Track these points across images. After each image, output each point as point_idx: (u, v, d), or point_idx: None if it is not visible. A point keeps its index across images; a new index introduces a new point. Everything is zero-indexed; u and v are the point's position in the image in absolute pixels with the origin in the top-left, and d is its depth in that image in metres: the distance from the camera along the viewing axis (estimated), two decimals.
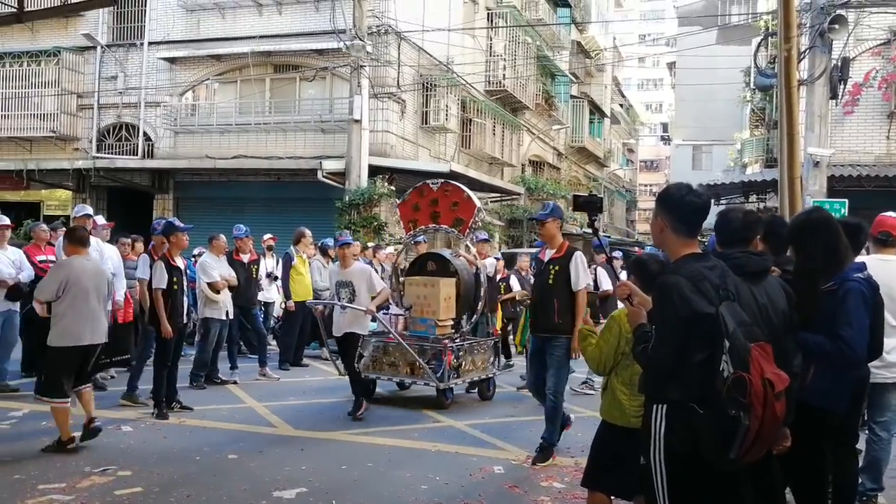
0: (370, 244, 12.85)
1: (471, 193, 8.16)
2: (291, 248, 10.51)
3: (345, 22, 15.45)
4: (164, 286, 7.19)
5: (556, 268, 6.02)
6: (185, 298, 7.64)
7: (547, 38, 26.20)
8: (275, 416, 7.41)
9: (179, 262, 7.47)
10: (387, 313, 8.22)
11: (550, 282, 6.01)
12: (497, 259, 11.03)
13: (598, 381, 9.38)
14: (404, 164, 16.67)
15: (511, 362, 10.68)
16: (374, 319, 7.75)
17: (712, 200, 3.83)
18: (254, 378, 9.33)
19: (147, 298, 7.33)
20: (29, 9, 9.99)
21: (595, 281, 9.53)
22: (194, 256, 9.22)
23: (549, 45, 26.50)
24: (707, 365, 2.60)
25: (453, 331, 8.14)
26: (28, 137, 18.66)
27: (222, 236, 9.30)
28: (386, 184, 15.73)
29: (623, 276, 12.05)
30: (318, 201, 15.96)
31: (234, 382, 9.03)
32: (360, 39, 15.24)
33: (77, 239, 6.16)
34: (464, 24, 20.01)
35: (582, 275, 5.99)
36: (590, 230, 4.32)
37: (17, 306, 8.20)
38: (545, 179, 26.32)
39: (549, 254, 6.12)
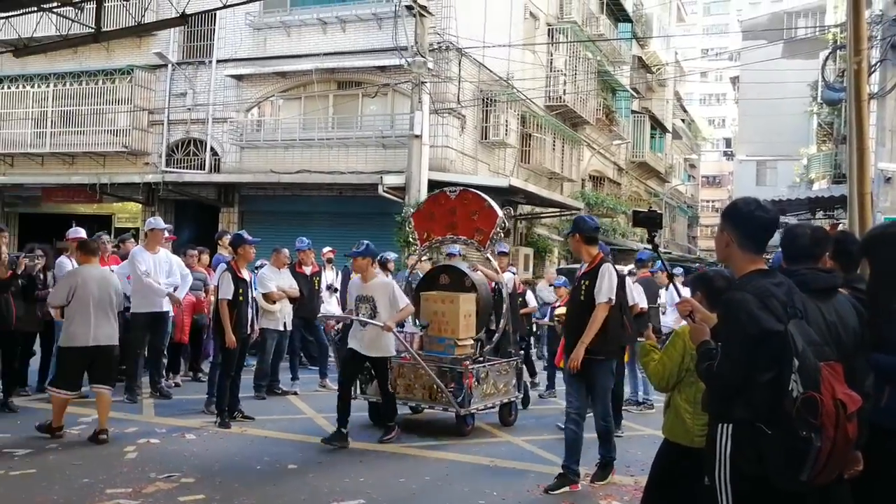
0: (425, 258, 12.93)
1: (492, 202, 7.46)
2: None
3: (406, 39, 15.66)
4: (230, 297, 7.38)
5: (587, 283, 5.69)
6: (250, 310, 7.78)
7: (608, 54, 26.05)
8: (334, 427, 7.47)
9: (246, 275, 7.65)
10: (401, 331, 7.44)
11: (581, 298, 5.70)
12: (514, 273, 10.67)
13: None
14: (463, 178, 16.71)
15: (536, 380, 10.25)
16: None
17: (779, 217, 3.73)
18: (314, 389, 9.46)
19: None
20: (105, 29, 10.45)
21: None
22: (257, 268, 9.44)
23: (609, 60, 26.33)
24: (775, 384, 2.54)
25: (474, 351, 7.57)
26: (102, 152, 19.40)
27: (284, 249, 9.49)
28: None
29: (685, 292, 11.82)
30: (378, 216, 16.15)
31: (295, 393, 9.17)
32: (422, 56, 15.42)
33: (88, 250, 6.81)
34: (524, 39, 20.05)
35: (605, 288, 5.57)
36: (650, 246, 4.26)
37: None
38: (605, 195, 26.07)
39: (582, 268, 5.92)
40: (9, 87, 20.11)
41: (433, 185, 15.79)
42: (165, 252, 8.93)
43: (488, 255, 7.69)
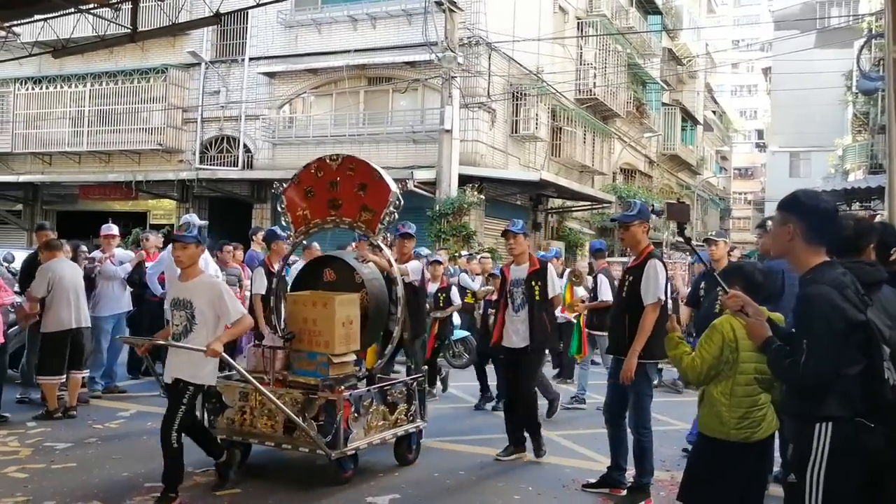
0: (464, 253, 12.96)
1: (384, 173, 5.81)
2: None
3: (436, 34, 15.70)
4: (263, 292, 7.48)
5: (631, 278, 5.23)
6: (282, 304, 7.87)
7: (638, 46, 25.84)
8: None
9: (277, 268, 7.74)
10: (259, 345, 5.82)
11: (624, 295, 5.27)
12: (435, 262, 9.64)
13: (590, 394, 9.12)
14: (494, 173, 16.78)
15: (434, 392, 8.71)
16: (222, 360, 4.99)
17: None
18: None
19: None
20: (141, 29, 10.62)
21: (595, 290, 8.46)
22: (289, 264, 9.53)
23: (639, 53, 26.12)
24: (867, 375, 2.51)
25: (358, 369, 5.78)
26: (137, 150, 19.72)
27: (315, 244, 9.57)
28: (476, 193, 15.85)
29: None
30: (408, 210, 15.93)
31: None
32: (452, 51, 15.44)
33: (51, 246, 7.45)
34: (554, 33, 19.96)
35: (652, 286, 5.07)
36: (682, 239, 4.20)
37: (127, 308, 8.69)
38: (636, 187, 25.88)
39: (629, 261, 5.54)
40: (47, 87, 20.53)
41: (463, 179, 15.84)
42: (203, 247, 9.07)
43: (378, 241, 5.95)
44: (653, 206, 23.05)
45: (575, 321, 9.03)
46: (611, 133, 24.01)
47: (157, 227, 16.40)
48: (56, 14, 10.10)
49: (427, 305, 8.66)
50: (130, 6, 9.90)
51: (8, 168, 21.08)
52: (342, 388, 5.31)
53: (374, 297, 5.97)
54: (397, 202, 5.72)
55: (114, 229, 8.79)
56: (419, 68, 16.73)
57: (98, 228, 9.15)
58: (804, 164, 41.31)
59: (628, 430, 5.30)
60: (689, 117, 33.30)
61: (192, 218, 9.26)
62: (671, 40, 32.29)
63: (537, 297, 6.07)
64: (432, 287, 9.02)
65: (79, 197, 20.79)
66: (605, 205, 21.52)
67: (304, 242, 9.37)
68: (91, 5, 9.74)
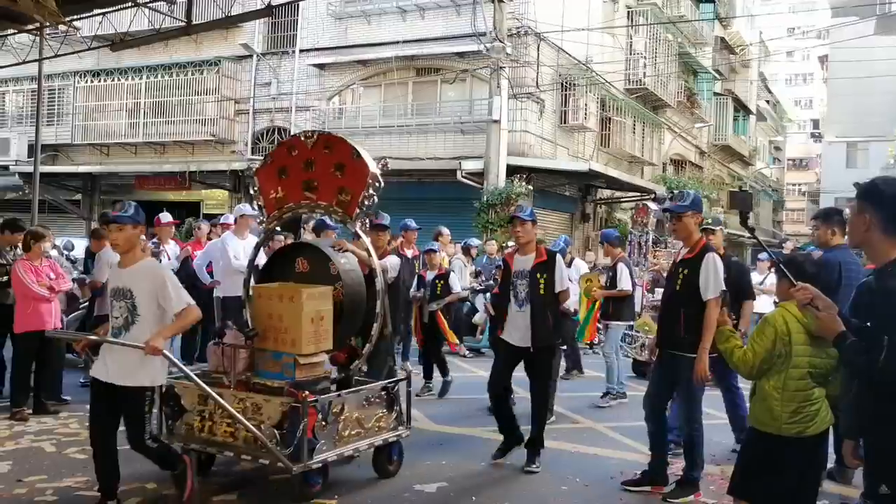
0: (510, 244, 12.92)
1: (362, 151, 5.20)
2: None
3: (485, 24, 15.66)
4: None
5: (685, 271, 5.06)
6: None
7: (689, 35, 25.38)
8: (414, 409, 7.58)
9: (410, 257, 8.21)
10: (219, 343, 5.07)
11: (678, 288, 5.11)
12: (430, 250, 9.18)
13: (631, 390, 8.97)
14: (542, 163, 16.70)
15: (430, 384, 8.52)
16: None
17: None
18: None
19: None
20: (195, 22, 10.83)
21: (614, 278, 8.32)
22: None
23: (691, 42, 25.65)
24: None
25: (329, 372, 5.15)
26: (190, 141, 20.14)
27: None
28: (524, 183, 15.81)
29: (771, 278, 11.46)
30: (456, 201, 16.26)
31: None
32: (500, 41, 15.39)
33: (99, 235, 7.71)
34: (603, 23, 19.74)
35: (712, 280, 4.93)
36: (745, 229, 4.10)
37: None
38: (687, 178, 25.47)
39: (681, 254, 5.33)
40: (105, 80, 21.10)
41: (512, 170, 15.81)
42: (253, 238, 9.25)
43: (357, 228, 5.22)
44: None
45: (576, 308, 8.99)
46: (661, 123, 23.67)
47: (209, 217, 16.76)
48: (115, 8, 10.37)
49: (421, 295, 8.57)
50: (186, 0, 10.11)
51: (68, 159, 21.75)
52: (306, 392, 4.56)
53: (350, 290, 5.25)
54: (377, 184, 5.11)
55: (169, 218, 9.01)
56: (468, 59, 16.73)
57: (153, 218, 9.41)
58: (862, 155, 40.14)
59: (669, 424, 5.29)
60: (741, 107, 32.60)
61: (245, 208, 9.45)
62: (724, 29, 31.59)
63: (542, 292, 5.62)
64: (430, 275, 8.75)
65: (135, 187, 21.30)
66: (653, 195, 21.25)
67: (437, 240, 9.95)
68: None
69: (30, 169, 15.20)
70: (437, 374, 8.56)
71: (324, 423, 4.65)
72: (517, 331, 5.72)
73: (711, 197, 26.10)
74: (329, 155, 5.22)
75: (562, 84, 17.92)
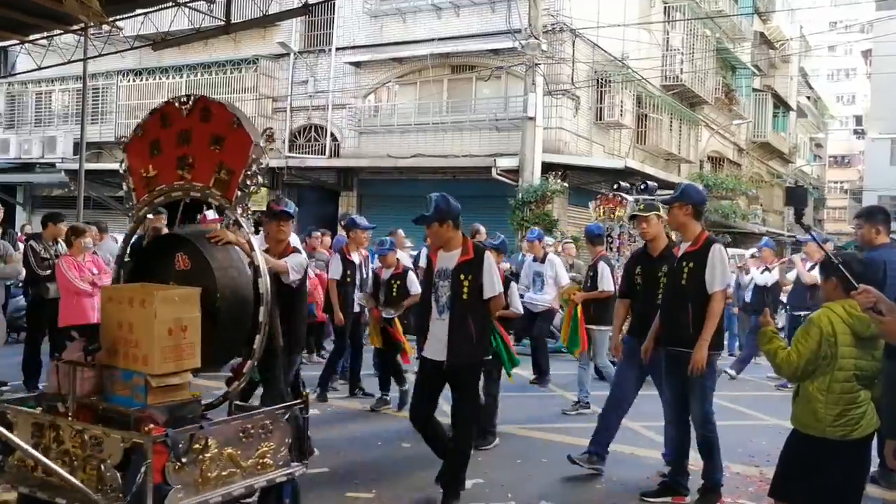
0: (549, 241, 12.90)
1: (243, 120, 4.21)
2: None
3: (520, 21, 15.63)
4: (338, 277, 7.73)
5: (690, 264, 4.90)
6: (358, 291, 7.85)
7: (727, 30, 25.01)
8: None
9: (355, 257, 7.94)
10: (59, 358, 4.18)
11: (683, 282, 4.93)
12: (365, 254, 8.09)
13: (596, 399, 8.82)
14: (578, 160, 16.62)
15: (386, 397, 7.53)
16: None
17: None
18: None
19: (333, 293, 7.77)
20: (234, 21, 10.98)
21: (594, 278, 7.72)
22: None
23: (729, 37, 25.28)
24: None
25: (193, 397, 4.01)
26: None
27: (400, 231, 9.83)
28: (559, 180, 15.76)
29: (812, 274, 11.25)
30: (491, 198, 16.25)
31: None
32: (536, 38, 15.35)
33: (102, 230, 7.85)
34: (639, 18, 19.55)
35: (719, 273, 4.80)
36: (800, 225, 4.00)
37: None
38: (724, 176, 25.15)
39: (683, 247, 5.14)
40: (147, 79, 21.48)
41: (546, 167, 15.76)
42: (291, 235, 9.39)
43: (237, 215, 4.16)
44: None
45: (561, 310, 8.77)
46: (698, 120, 23.38)
47: None
48: (156, 8, 10.55)
49: (366, 299, 7.62)
50: None
51: (111, 156, 22.16)
52: (150, 425, 3.55)
53: (229, 293, 4.09)
54: (261, 160, 4.16)
55: (213, 216, 9.20)
56: (503, 56, 16.70)
57: (192, 214, 9.58)
58: None
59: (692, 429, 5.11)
60: (781, 103, 32.04)
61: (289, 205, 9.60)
62: (763, 23, 31.08)
63: (465, 296, 4.72)
64: (386, 273, 7.61)
65: None
66: None
67: (474, 237, 9.26)
68: None
69: (75, 166, 15.55)
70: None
71: (178, 463, 3.54)
72: (437, 343, 4.79)
73: (749, 194, 25.76)
74: (206, 125, 4.29)
75: (597, 81, 17.81)
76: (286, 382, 5.06)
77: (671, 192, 5.47)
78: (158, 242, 4.55)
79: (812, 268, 9.53)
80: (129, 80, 21.68)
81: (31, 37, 11.02)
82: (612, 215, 11.62)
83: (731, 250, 15.50)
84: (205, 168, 4.25)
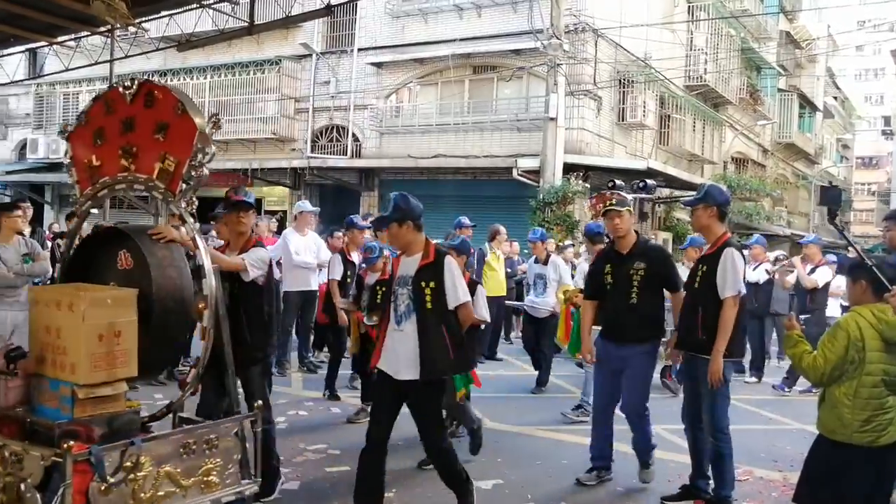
0: (568, 242, 12.85)
1: (189, 104, 3.89)
2: (485, 244, 10.80)
3: (542, 21, 15.58)
4: (339, 278, 7.81)
5: (704, 268, 4.84)
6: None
7: (752, 30, 24.76)
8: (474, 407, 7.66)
9: (355, 257, 8.03)
10: None
11: (696, 285, 4.88)
12: (368, 248, 7.42)
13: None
14: (599, 161, 16.53)
15: (368, 406, 6.29)
16: None
17: None
18: None
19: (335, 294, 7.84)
20: (258, 22, 11.06)
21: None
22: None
23: (754, 37, 25.03)
24: None
25: (130, 410, 3.67)
26: (252, 139, 20.55)
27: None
28: (581, 181, 15.69)
29: (838, 280, 11.08)
30: (512, 199, 16.23)
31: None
32: (557, 38, 15.30)
33: None
34: (663, 18, 19.42)
35: (730, 277, 4.67)
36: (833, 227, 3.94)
37: None
38: (749, 177, 24.90)
39: (704, 249, 5.14)
40: (171, 80, 21.67)
41: (568, 167, 15.70)
42: (313, 234, 9.46)
43: (181, 209, 3.84)
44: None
45: (558, 314, 8.32)
46: (722, 121, 23.17)
47: (271, 213, 17.11)
48: (181, 10, 10.64)
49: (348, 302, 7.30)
50: (249, 1, 10.32)
51: None
52: (70, 442, 3.15)
53: (166, 295, 3.74)
54: (207, 148, 3.84)
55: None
56: (524, 56, 16.67)
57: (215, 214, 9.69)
58: None
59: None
60: (807, 103, 31.65)
61: (305, 205, 9.67)
62: (789, 22, 30.74)
63: (428, 305, 4.22)
64: (371, 278, 7.07)
65: None
66: None
67: (494, 238, 9.78)
68: (212, 0, 10.22)
69: None
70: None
71: (104, 483, 3.20)
72: (392, 356, 4.32)
73: (774, 196, 25.48)
74: (150, 111, 3.98)
75: (620, 81, 17.71)
76: (259, 388, 4.68)
77: (694, 193, 5.35)
78: (102, 238, 4.10)
79: (812, 271, 9.40)
80: (154, 81, 21.87)
81: (59, 38, 11.19)
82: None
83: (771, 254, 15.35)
84: (148, 158, 3.94)
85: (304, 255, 9.06)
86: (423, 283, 4.23)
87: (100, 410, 3.45)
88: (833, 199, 3.66)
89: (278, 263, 8.83)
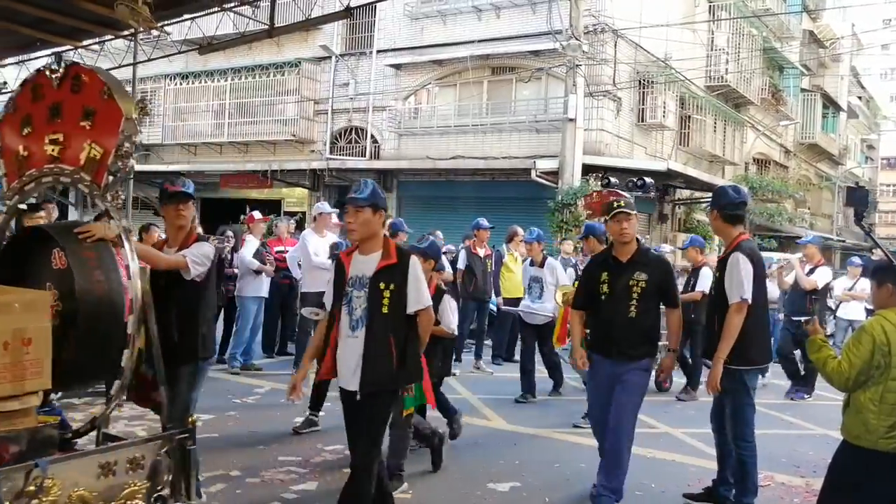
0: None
1: (116, 87, 3.55)
2: (503, 245, 10.78)
3: (561, 22, 15.53)
4: None
5: (718, 274, 4.80)
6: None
7: (774, 29, 24.51)
8: (488, 408, 7.65)
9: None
10: None
11: (713, 292, 4.87)
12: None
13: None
14: (619, 162, 16.44)
15: (315, 416, 6.42)
16: None
17: None
18: (469, 371, 9.70)
19: None
20: (278, 25, 11.13)
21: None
22: None
23: (776, 36, 24.78)
24: None
25: (60, 419, 3.74)
26: (272, 141, 20.69)
27: (438, 233, 9.90)
28: (599, 183, 15.62)
29: (862, 283, 10.95)
30: (530, 200, 16.19)
31: (454, 374, 9.44)
32: (577, 39, 15.23)
33: None
34: (683, 18, 19.27)
35: (736, 281, 4.53)
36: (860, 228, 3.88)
37: (266, 293, 9.26)
38: (771, 178, 24.65)
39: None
40: (193, 82, 21.89)
41: (587, 168, 15.63)
42: (332, 235, 9.48)
43: (107, 203, 3.53)
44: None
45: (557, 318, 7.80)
46: (743, 121, 22.96)
47: (290, 214, 17.22)
48: (203, 13, 10.72)
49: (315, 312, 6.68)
50: (269, 3, 10.38)
51: (158, 158, 22.66)
52: None
53: (93, 299, 3.44)
54: (134, 137, 3.53)
55: (260, 216, 9.70)
56: (543, 57, 16.62)
57: (237, 215, 9.82)
58: None
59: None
60: (830, 103, 31.28)
61: (324, 206, 9.71)
62: (812, 21, 30.40)
63: (384, 310, 3.76)
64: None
65: (220, 185, 21.98)
66: None
67: (512, 240, 9.80)
68: (233, 4, 10.31)
69: None
70: None
71: None
72: (347, 366, 3.85)
73: (797, 197, 25.19)
74: (77, 96, 3.65)
75: (639, 81, 17.62)
76: (183, 392, 4.19)
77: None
78: (36, 237, 3.81)
79: (811, 272, 9.22)
80: (175, 84, 22.11)
81: (84, 42, 11.32)
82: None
83: (775, 254, 15.21)
84: (76, 147, 3.61)
85: (323, 256, 9.10)
86: (381, 285, 3.78)
87: (6, 427, 3.09)
88: (860, 199, 3.59)
89: (298, 264, 8.88)
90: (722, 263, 4.73)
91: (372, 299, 3.78)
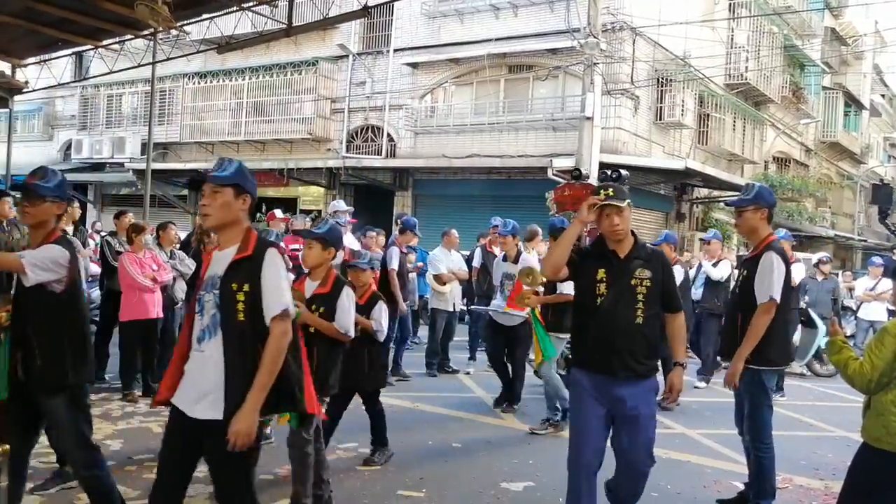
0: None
1: None
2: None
3: (579, 20, 15.45)
4: (397, 268, 8.28)
5: (745, 272, 4.68)
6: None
7: (796, 26, 24.25)
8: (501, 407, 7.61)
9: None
10: None
11: (737, 290, 4.77)
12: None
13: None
14: (637, 161, 16.34)
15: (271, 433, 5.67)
16: None
17: None
18: (483, 369, 9.68)
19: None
20: (295, 24, 11.16)
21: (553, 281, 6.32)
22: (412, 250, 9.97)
23: (798, 34, 24.50)
24: None
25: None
26: (289, 139, 20.76)
27: (454, 231, 9.86)
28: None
29: (884, 283, 10.82)
30: (546, 199, 16.12)
31: (467, 373, 9.44)
32: (595, 37, 15.15)
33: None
34: (702, 16, 19.13)
35: (766, 283, 4.44)
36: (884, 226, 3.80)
37: None
38: (791, 177, 24.41)
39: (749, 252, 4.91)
40: (211, 81, 22.02)
41: (604, 167, 15.51)
42: (348, 234, 9.52)
43: None
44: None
45: (530, 316, 6.85)
46: (763, 120, 22.74)
47: (306, 212, 17.27)
48: (221, 13, 10.79)
49: None
50: (287, 2, 10.42)
51: (176, 156, 22.83)
52: None
53: None
54: None
55: (281, 215, 9.88)
56: (561, 55, 16.55)
57: (254, 213, 9.91)
58: None
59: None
60: (853, 101, 30.90)
61: (339, 204, 9.77)
62: (835, 19, 30.05)
63: (240, 316, 2.93)
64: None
65: None
66: None
67: (532, 239, 9.15)
68: (251, 3, 10.35)
69: (142, 166, 16.01)
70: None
71: None
72: (191, 387, 3.01)
73: (818, 196, 24.92)
74: None
75: (658, 80, 17.50)
76: (67, 425, 3.60)
77: (734, 193, 5.22)
78: None
79: (715, 265, 9.30)
80: (194, 83, 22.26)
81: (105, 42, 11.44)
82: (574, 208, 10.15)
83: (796, 254, 15.04)
84: None
85: (339, 255, 9.15)
86: (233, 286, 2.95)
87: None
88: (885, 197, 3.48)
89: None
90: (752, 263, 4.63)
91: (224, 304, 2.94)
